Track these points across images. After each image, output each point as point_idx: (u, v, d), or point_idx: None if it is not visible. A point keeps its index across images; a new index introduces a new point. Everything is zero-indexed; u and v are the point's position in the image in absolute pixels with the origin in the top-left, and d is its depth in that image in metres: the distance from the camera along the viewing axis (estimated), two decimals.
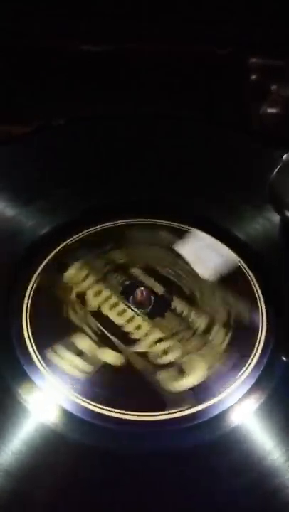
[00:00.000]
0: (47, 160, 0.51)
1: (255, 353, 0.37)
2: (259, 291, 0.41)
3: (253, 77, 0.57)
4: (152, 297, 0.40)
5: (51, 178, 0.49)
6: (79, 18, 0.56)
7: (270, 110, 0.57)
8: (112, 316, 0.39)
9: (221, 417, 0.34)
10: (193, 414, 0.34)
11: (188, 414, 0.34)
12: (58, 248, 0.44)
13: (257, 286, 0.41)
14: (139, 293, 0.40)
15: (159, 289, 0.41)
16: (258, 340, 0.38)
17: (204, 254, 0.43)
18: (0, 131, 0.56)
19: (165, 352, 0.38)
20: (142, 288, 0.40)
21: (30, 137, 0.53)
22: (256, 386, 0.36)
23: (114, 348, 0.38)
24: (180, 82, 0.59)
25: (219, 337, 0.38)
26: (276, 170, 0.42)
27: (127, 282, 0.41)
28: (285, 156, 0.43)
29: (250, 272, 0.42)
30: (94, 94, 0.59)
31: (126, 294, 0.40)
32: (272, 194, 0.42)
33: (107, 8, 0.55)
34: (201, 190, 0.48)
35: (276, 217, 0.44)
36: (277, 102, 0.56)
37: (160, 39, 0.58)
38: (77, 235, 0.45)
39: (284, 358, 0.37)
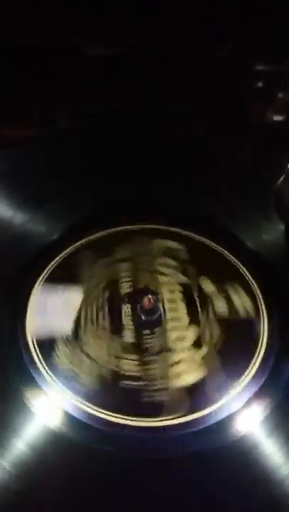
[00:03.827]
0: (49, 165, 0.51)
1: (256, 360, 0.37)
2: (261, 298, 0.41)
3: (259, 84, 0.56)
4: (160, 305, 0.40)
5: (54, 183, 0.49)
6: (79, 16, 0.56)
7: (275, 118, 0.56)
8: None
9: (223, 424, 0.34)
10: (196, 419, 0.34)
11: (191, 420, 0.34)
12: (63, 254, 0.44)
13: (259, 292, 0.41)
14: (147, 301, 0.40)
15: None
16: (259, 347, 0.38)
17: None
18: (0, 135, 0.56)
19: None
20: (150, 296, 0.40)
21: (32, 142, 0.54)
22: (259, 393, 0.36)
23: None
24: (181, 83, 0.58)
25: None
26: (281, 178, 0.42)
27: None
28: None
29: (251, 277, 0.42)
30: (93, 94, 0.59)
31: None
32: (277, 203, 0.42)
33: (107, 7, 0.55)
34: (206, 198, 0.48)
35: (282, 226, 0.44)
36: (282, 110, 0.56)
37: (160, 38, 0.58)
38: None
39: None
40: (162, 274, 0.43)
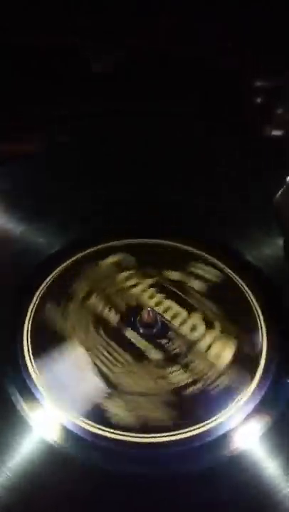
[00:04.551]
0: (48, 165, 0.51)
1: (256, 376, 0.37)
2: (260, 313, 0.41)
3: (258, 100, 0.56)
4: (158, 317, 0.40)
5: (54, 183, 0.49)
6: (79, 16, 0.56)
7: (274, 133, 0.56)
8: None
9: (220, 440, 0.34)
10: (192, 436, 0.34)
11: (187, 437, 0.34)
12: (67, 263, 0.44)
13: (258, 307, 0.41)
14: (146, 314, 0.40)
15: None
16: (260, 363, 0.38)
17: None
18: (2, 150, 0.56)
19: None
20: (149, 309, 0.40)
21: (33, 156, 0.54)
22: (258, 409, 0.35)
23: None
24: (181, 83, 0.58)
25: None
26: (280, 192, 0.42)
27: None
28: (288, 177, 0.42)
29: (251, 293, 0.42)
30: (93, 94, 0.59)
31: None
32: (277, 215, 0.42)
33: (107, 7, 0.55)
34: (206, 198, 0.48)
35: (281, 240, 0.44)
36: (282, 125, 0.55)
37: (160, 38, 0.58)
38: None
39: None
40: (130, 287, 0.43)
